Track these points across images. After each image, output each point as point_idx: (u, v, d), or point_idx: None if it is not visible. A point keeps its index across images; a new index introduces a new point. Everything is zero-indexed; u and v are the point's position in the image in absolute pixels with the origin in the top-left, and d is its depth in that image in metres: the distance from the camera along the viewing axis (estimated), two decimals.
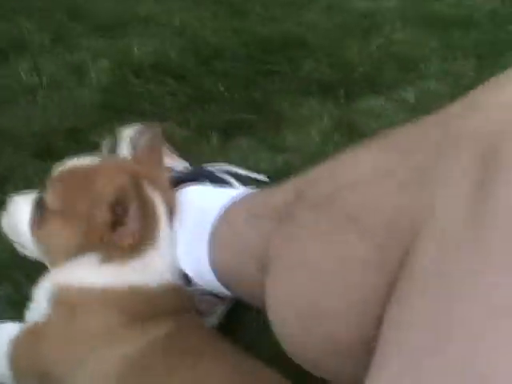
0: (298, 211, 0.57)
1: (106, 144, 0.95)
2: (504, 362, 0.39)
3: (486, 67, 1.18)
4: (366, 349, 0.47)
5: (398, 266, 0.46)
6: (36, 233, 0.72)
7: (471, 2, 1.38)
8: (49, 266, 0.72)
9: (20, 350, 0.68)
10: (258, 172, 0.93)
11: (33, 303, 0.70)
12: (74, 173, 0.71)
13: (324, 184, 0.57)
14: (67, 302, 0.67)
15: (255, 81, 1.15)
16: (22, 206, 0.75)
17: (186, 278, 0.75)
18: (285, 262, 0.56)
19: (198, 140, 1.04)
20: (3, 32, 1.19)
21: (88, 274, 0.67)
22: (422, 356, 0.42)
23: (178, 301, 0.69)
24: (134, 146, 0.90)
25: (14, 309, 0.82)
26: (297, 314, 0.54)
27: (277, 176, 0.94)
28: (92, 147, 0.97)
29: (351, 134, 1.05)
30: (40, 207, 0.71)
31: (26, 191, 0.78)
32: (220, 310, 0.78)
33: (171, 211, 0.73)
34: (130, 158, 0.83)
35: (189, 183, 0.82)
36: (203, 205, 0.77)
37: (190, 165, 0.91)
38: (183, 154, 0.94)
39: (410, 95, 1.14)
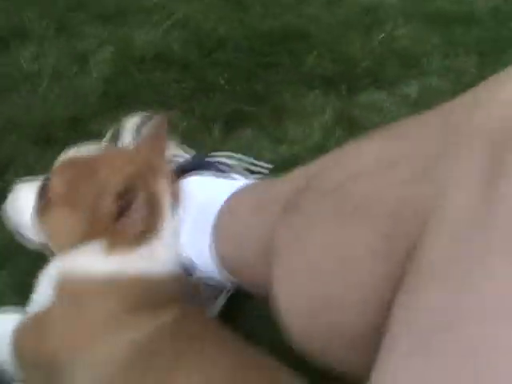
0: (303, 201, 0.58)
1: (109, 133, 0.95)
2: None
3: (487, 64, 1.18)
4: (373, 337, 0.48)
5: (405, 256, 0.46)
6: (40, 220, 0.72)
7: None
8: (52, 254, 0.72)
9: (24, 337, 0.68)
10: None
11: (37, 290, 0.70)
12: (79, 161, 0.71)
13: (329, 174, 0.57)
14: (71, 289, 0.67)
15: (257, 72, 1.15)
16: (25, 194, 0.75)
17: (189, 267, 0.75)
18: (291, 251, 0.57)
19: (200, 130, 1.04)
20: (4, 20, 1.19)
21: (92, 261, 0.67)
22: (431, 335, 0.42)
23: (180, 289, 0.70)
24: (138, 134, 0.90)
25: (18, 295, 0.82)
26: (303, 303, 0.55)
27: (278, 167, 0.94)
28: (93, 136, 0.97)
29: (353, 127, 1.06)
30: (44, 195, 0.71)
31: (29, 178, 0.77)
32: (221, 298, 0.79)
33: (174, 200, 0.74)
34: (133, 146, 0.83)
35: (192, 172, 0.82)
36: (206, 194, 0.77)
37: (193, 154, 0.91)
38: (185, 144, 0.94)
39: (411, 91, 1.15)
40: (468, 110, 0.49)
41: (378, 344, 0.46)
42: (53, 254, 0.71)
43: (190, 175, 0.81)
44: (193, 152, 0.91)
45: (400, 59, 1.20)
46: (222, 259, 0.72)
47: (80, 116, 1.04)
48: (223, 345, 0.66)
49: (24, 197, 0.74)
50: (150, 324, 0.64)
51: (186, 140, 0.95)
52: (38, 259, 0.82)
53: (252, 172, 0.90)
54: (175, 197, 0.74)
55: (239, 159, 0.89)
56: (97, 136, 0.98)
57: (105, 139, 0.95)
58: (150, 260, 0.68)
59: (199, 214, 0.75)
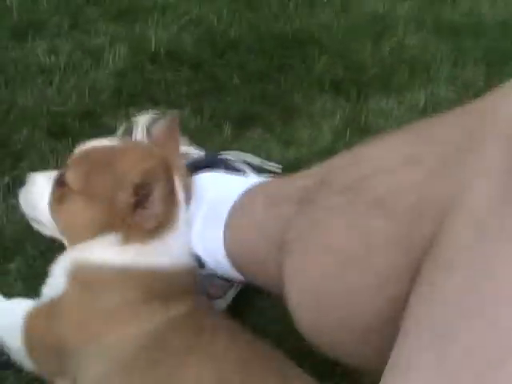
0: (323, 195, 0.58)
1: (121, 129, 0.97)
2: None
3: (494, 74, 1.21)
4: (384, 331, 0.49)
5: (423, 251, 0.48)
6: (56, 211, 0.72)
7: (483, 12, 1.40)
8: (67, 244, 0.73)
9: (35, 324, 0.69)
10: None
11: (50, 279, 0.70)
12: (96, 153, 0.71)
13: (351, 170, 0.58)
14: (85, 278, 0.68)
15: (269, 74, 1.17)
16: (41, 184, 0.75)
17: (199, 262, 0.76)
18: (308, 245, 0.57)
19: (211, 130, 1.06)
20: (22, 12, 1.20)
21: (107, 252, 0.67)
22: (449, 330, 0.43)
23: (193, 282, 0.71)
24: (149, 132, 0.91)
25: (26, 283, 0.83)
26: (318, 296, 0.55)
27: (287, 168, 0.96)
28: (105, 130, 0.99)
29: (362, 132, 1.07)
30: (61, 185, 0.71)
31: (44, 171, 0.79)
32: (230, 293, 0.80)
33: (188, 196, 0.75)
34: (148, 142, 0.84)
35: (204, 170, 0.84)
36: (219, 190, 0.78)
37: (206, 152, 0.92)
38: (195, 143, 0.95)
39: (420, 99, 1.17)
40: (490, 110, 0.50)
41: (390, 338, 0.47)
42: (69, 243, 0.72)
43: (203, 172, 0.82)
44: (202, 151, 0.93)
45: (409, 67, 1.23)
46: (233, 255, 0.73)
47: (94, 109, 1.06)
48: (234, 338, 0.67)
49: (41, 185, 0.75)
50: (162, 315, 0.65)
51: (196, 139, 0.96)
52: (47, 251, 0.83)
53: (263, 171, 0.91)
54: (188, 191, 0.75)
55: (249, 161, 0.90)
56: (109, 130, 0.99)
57: (117, 134, 0.96)
58: (164, 253, 0.68)
59: (212, 208, 0.76)
